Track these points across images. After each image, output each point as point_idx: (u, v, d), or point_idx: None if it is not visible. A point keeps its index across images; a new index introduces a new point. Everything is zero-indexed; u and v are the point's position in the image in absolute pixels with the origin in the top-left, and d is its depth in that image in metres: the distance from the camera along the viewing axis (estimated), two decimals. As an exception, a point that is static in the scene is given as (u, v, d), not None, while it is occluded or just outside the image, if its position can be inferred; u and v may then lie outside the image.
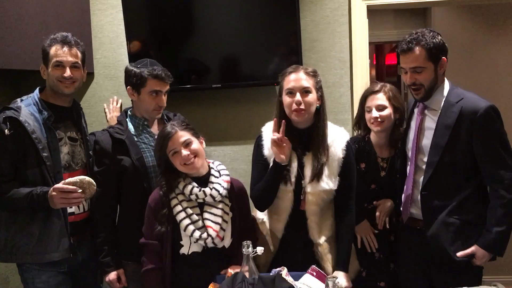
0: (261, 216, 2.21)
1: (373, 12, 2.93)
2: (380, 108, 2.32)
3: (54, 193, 1.96)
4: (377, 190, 2.40)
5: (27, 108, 2.08)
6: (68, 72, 2.10)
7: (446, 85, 2.13)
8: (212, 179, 2.03)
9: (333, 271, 2.04)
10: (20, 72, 2.63)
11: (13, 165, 2.05)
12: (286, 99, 2.02)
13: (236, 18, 2.77)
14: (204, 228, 1.96)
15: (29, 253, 2.07)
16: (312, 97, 2.01)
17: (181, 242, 1.97)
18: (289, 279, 1.82)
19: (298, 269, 1.91)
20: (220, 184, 2.02)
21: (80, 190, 1.97)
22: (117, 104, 2.90)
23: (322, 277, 1.84)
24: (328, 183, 2.03)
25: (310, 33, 2.84)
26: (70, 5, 2.78)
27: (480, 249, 2.02)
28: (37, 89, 2.18)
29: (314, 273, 1.86)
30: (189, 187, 1.98)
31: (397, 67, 4.25)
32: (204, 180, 2.02)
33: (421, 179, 2.13)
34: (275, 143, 1.95)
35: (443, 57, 2.06)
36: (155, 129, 2.28)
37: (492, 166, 2.02)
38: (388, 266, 2.41)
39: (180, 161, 1.97)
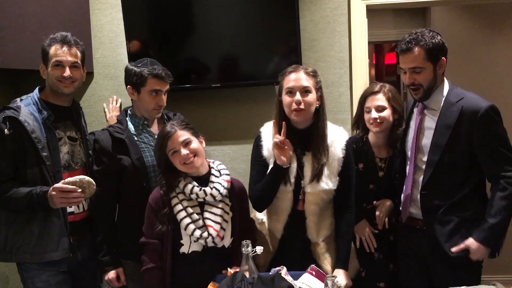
0: (260, 216, 2.21)
1: (372, 11, 2.92)
2: (380, 109, 2.32)
3: (53, 192, 1.96)
4: (375, 190, 2.41)
5: (26, 107, 2.08)
6: (67, 72, 2.10)
7: (446, 85, 2.13)
8: (213, 178, 2.03)
9: (333, 269, 2.05)
10: (20, 71, 2.63)
11: (12, 164, 2.05)
12: (286, 99, 2.02)
13: (235, 17, 2.77)
14: (204, 227, 1.96)
15: (29, 253, 2.07)
16: (312, 97, 2.01)
17: (181, 241, 1.97)
18: (288, 278, 1.82)
19: (297, 269, 1.92)
20: (220, 183, 2.02)
21: (79, 190, 1.97)
22: (116, 103, 2.90)
23: (321, 277, 1.84)
24: (328, 183, 2.03)
25: (310, 32, 2.83)
26: (70, 4, 2.78)
27: (475, 242, 2.01)
28: (37, 88, 2.18)
29: (314, 273, 1.86)
30: (190, 186, 1.98)
31: (397, 67, 4.23)
32: (204, 180, 2.02)
33: (421, 178, 2.13)
34: (277, 145, 1.95)
35: (442, 57, 2.06)
36: (155, 128, 2.28)
37: (494, 164, 2.03)
38: (387, 266, 2.41)
39: (179, 160, 1.97)
